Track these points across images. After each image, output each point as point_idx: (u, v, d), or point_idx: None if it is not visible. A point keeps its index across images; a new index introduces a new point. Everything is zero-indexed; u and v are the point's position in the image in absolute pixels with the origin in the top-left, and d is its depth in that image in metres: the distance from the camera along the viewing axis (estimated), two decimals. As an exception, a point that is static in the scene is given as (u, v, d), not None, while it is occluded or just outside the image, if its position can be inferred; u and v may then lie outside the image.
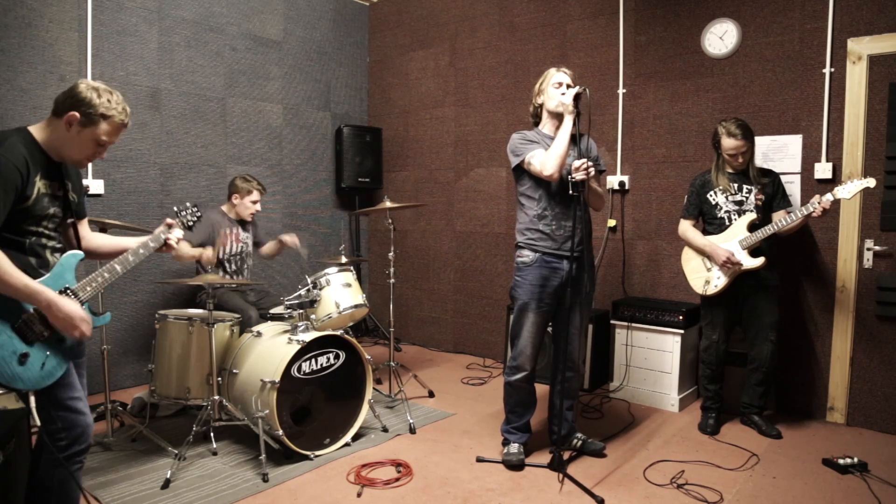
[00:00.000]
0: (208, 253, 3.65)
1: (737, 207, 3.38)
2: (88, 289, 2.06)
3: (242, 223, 4.08)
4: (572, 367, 3.02)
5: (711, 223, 3.48)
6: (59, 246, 2.06)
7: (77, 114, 1.92)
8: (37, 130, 1.97)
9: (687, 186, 3.62)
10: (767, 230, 3.23)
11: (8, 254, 1.81)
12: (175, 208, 2.51)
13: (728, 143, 3.30)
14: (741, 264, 3.28)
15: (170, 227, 2.32)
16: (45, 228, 1.99)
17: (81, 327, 1.92)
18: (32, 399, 1.90)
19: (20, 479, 2.04)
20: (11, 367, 1.81)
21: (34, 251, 1.96)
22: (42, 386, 1.90)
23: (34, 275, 1.89)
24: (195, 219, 2.52)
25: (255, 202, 4.03)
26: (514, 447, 3.03)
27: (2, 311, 1.83)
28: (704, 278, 3.43)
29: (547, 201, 2.94)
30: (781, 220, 3.19)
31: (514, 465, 2.97)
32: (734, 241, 3.33)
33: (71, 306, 1.91)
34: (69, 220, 2.11)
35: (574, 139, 2.83)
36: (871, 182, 3.01)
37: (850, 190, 3.04)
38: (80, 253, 2.12)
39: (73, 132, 1.94)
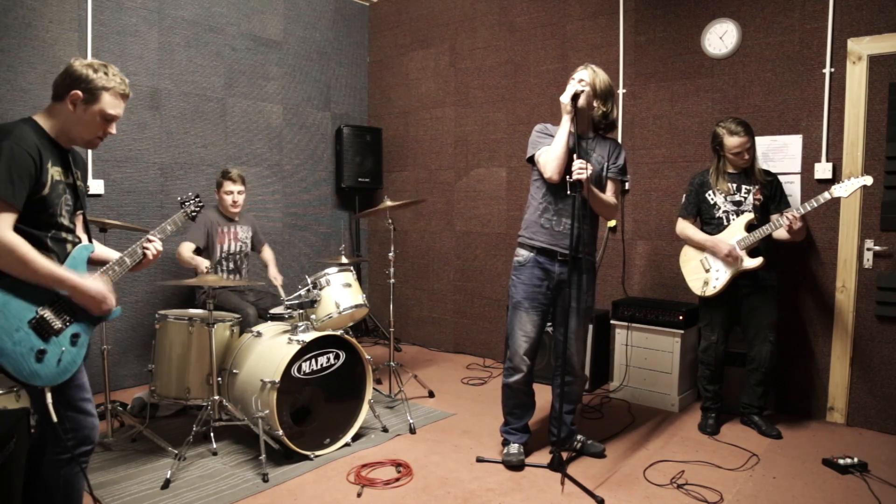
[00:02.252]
0: (203, 265, 3.60)
1: (735, 208, 3.37)
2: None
3: (236, 220, 4.08)
4: (572, 373, 3.02)
5: (709, 223, 3.47)
6: (77, 240, 2.06)
7: (79, 92, 1.93)
8: (42, 119, 1.97)
9: (686, 186, 3.62)
10: (765, 230, 3.24)
11: None
12: (179, 198, 2.55)
13: (731, 141, 3.29)
14: (742, 258, 3.28)
15: (149, 240, 2.26)
16: (63, 219, 1.98)
17: (108, 301, 1.97)
18: (49, 396, 1.87)
19: (20, 478, 2.04)
20: (30, 364, 1.81)
21: (55, 246, 1.95)
22: (59, 381, 1.89)
23: None
24: (198, 209, 2.56)
25: (229, 193, 3.98)
26: (514, 447, 3.03)
27: (18, 307, 1.83)
28: (703, 279, 3.43)
29: (551, 196, 2.92)
30: (777, 220, 3.20)
31: (514, 466, 2.96)
32: (732, 242, 3.33)
33: (95, 284, 1.94)
34: (79, 211, 2.10)
35: (578, 140, 2.80)
36: (867, 180, 3.02)
37: (848, 188, 3.04)
38: (91, 245, 2.10)
39: (78, 111, 1.95)
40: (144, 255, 2.21)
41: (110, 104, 1.99)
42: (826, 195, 3.08)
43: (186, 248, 3.79)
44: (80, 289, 1.91)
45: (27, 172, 1.82)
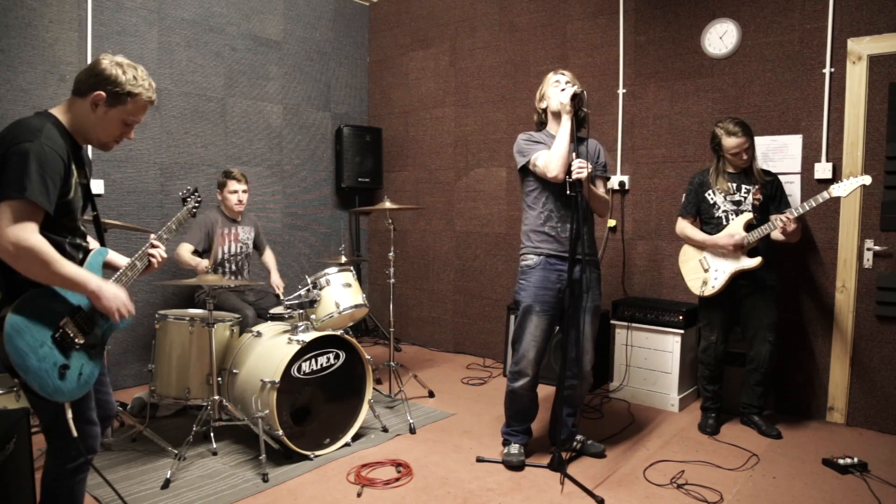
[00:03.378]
0: (203, 265, 3.61)
1: (734, 207, 3.37)
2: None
3: (238, 221, 4.08)
4: (576, 375, 2.99)
5: (709, 222, 3.47)
6: (90, 246, 2.02)
7: (103, 93, 1.84)
8: (60, 113, 1.88)
9: (686, 186, 3.62)
10: (763, 230, 3.24)
11: None
12: (180, 194, 2.54)
13: (729, 142, 3.30)
14: (745, 241, 3.26)
15: (154, 246, 2.21)
16: (79, 223, 1.94)
17: (128, 306, 1.91)
18: (69, 412, 1.84)
19: (21, 478, 2.04)
20: (54, 380, 1.76)
21: (73, 251, 1.91)
22: (79, 396, 1.85)
23: None
24: (198, 204, 2.53)
25: (234, 192, 3.98)
26: (515, 448, 3.03)
27: (42, 322, 1.77)
28: (702, 279, 3.43)
29: (553, 202, 2.93)
30: (777, 220, 3.20)
31: (515, 466, 2.96)
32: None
33: (115, 289, 1.89)
34: (91, 213, 2.04)
35: (577, 140, 2.82)
36: (866, 179, 3.02)
37: (847, 188, 3.04)
38: (105, 249, 2.06)
39: (99, 112, 1.86)
40: (150, 262, 2.16)
41: (133, 111, 1.91)
42: (825, 195, 3.08)
43: (185, 250, 3.79)
44: (103, 292, 1.84)
45: (58, 175, 1.76)
